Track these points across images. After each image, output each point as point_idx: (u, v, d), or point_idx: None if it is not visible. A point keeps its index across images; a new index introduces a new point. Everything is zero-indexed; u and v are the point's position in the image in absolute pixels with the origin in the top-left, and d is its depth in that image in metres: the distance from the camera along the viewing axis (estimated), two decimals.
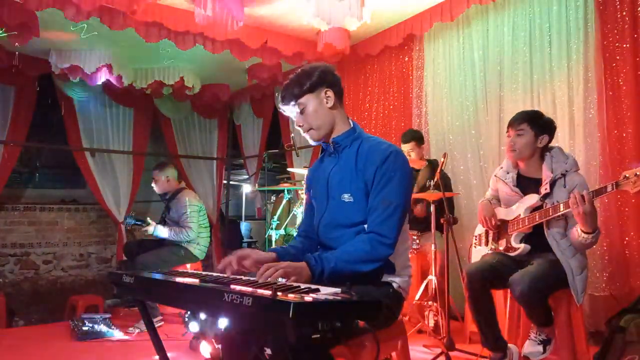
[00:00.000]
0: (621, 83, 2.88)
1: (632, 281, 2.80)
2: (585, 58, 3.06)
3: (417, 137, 3.69)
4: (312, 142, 1.79)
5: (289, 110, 1.75)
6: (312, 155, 5.27)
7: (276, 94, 5.73)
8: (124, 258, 4.18)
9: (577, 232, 2.19)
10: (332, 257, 1.55)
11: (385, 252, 1.59)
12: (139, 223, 3.98)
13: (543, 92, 3.29)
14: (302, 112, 1.71)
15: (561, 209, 2.22)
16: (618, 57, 2.90)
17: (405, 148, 3.64)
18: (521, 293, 2.16)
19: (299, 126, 1.74)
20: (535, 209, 2.39)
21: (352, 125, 1.77)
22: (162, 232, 3.89)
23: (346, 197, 1.68)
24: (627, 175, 2.01)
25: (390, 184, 1.61)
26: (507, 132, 2.49)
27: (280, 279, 1.43)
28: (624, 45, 2.87)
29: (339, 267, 1.54)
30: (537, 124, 2.41)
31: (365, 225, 1.64)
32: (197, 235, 3.95)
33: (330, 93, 1.71)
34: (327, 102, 1.71)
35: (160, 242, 3.99)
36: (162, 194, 4.17)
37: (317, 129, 1.73)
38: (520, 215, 2.43)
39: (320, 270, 1.52)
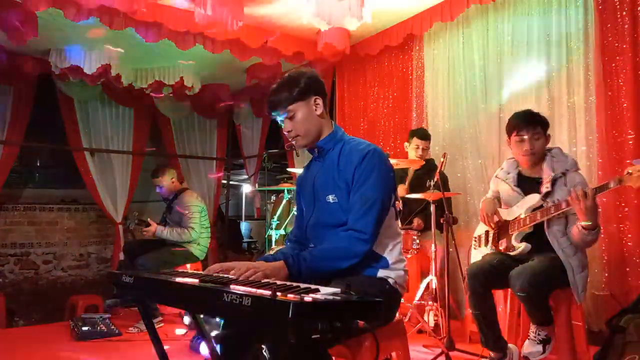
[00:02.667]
0: (621, 83, 2.88)
1: (631, 281, 2.80)
2: (585, 58, 3.06)
3: (430, 137, 3.70)
4: (298, 147, 1.83)
5: (278, 117, 1.78)
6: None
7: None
8: (122, 258, 4.17)
9: (578, 227, 2.19)
10: (308, 256, 1.59)
11: (362, 247, 1.62)
12: (141, 224, 3.97)
13: (543, 92, 3.29)
14: (291, 119, 1.74)
15: (563, 207, 2.22)
16: (618, 57, 2.90)
17: (423, 145, 3.62)
18: (521, 287, 2.16)
19: (287, 132, 1.77)
20: (536, 208, 2.39)
21: (334, 129, 1.81)
22: (164, 233, 3.89)
23: (331, 198, 1.73)
24: (629, 171, 2.02)
25: (368, 181, 1.65)
26: (520, 134, 2.42)
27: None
28: (624, 46, 2.86)
29: (315, 265, 1.58)
30: (546, 126, 2.43)
31: None
32: (198, 235, 3.96)
33: (319, 101, 1.76)
34: (316, 110, 1.75)
35: (161, 243, 3.99)
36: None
37: (304, 136, 1.77)
38: (521, 215, 2.43)
39: (297, 269, 1.55)
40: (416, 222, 3.50)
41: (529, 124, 2.41)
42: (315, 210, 1.79)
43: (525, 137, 2.41)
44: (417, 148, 3.62)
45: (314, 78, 1.77)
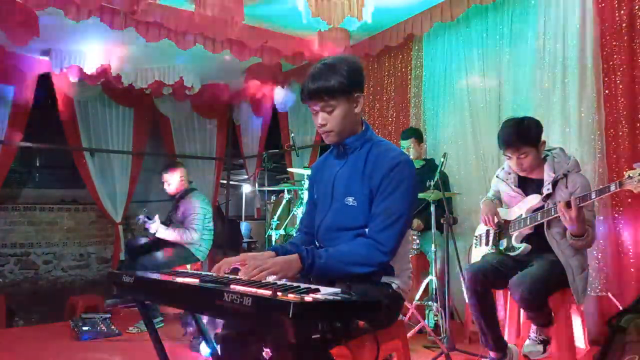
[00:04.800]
0: (618, 82, 2.88)
1: (628, 281, 2.80)
2: (584, 57, 3.06)
3: (416, 135, 3.69)
4: (327, 142, 1.73)
5: (313, 106, 1.65)
6: (310, 156, 5.28)
7: (276, 96, 5.72)
8: (123, 258, 4.15)
9: (567, 235, 2.23)
10: (325, 254, 1.55)
11: (381, 258, 1.58)
12: (148, 222, 3.94)
13: (542, 91, 3.29)
14: (329, 112, 1.63)
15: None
16: (615, 56, 2.91)
17: (404, 144, 3.65)
18: (521, 297, 2.17)
19: (321, 125, 1.65)
20: (536, 209, 2.39)
21: (364, 127, 1.73)
22: (166, 233, 3.88)
23: (350, 200, 1.67)
24: (630, 175, 2.02)
25: (395, 193, 1.59)
26: (506, 154, 2.45)
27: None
28: (622, 44, 2.87)
29: (330, 265, 1.54)
30: (535, 140, 2.38)
31: (366, 230, 1.64)
32: (200, 237, 3.94)
33: (360, 98, 1.66)
34: (355, 107, 1.66)
35: (162, 243, 3.98)
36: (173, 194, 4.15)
37: (339, 133, 1.67)
38: (521, 215, 2.43)
39: (310, 263, 1.52)
40: (416, 223, 3.50)
41: (511, 146, 2.39)
42: (331, 210, 1.73)
43: (512, 157, 2.42)
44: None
45: (359, 71, 1.64)
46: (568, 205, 2.14)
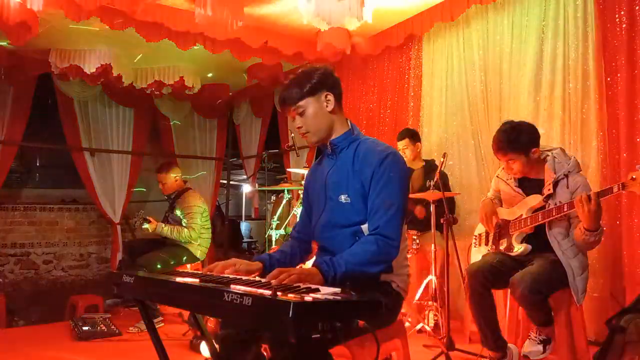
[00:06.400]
0: (619, 82, 2.88)
1: (627, 282, 2.80)
2: (585, 57, 3.06)
3: (410, 135, 3.70)
4: (309, 144, 1.81)
5: (289, 112, 1.75)
6: (307, 156, 5.27)
7: (275, 97, 5.73)
8: (121, 257, 4.16)
9: (581, 229, 2.19)
10: (342, 261, 1.54)
11: (393, 253, 1.60)
12: (145, 224, 3.96)
13: (542, 91, 3.29)
14: (301, 114, 1.71)
15: (565, 210, 2.22)
16: (616, 56, 2.90)
17: (400, 145, 3.66)
18: (522, 294, 2.17)
19: (298, 128, 1.75)
20: (537, 209, 2.39)
21: (350, 127, 1.78)
22: (165, 230, 3.89)
23: (343, 197, 1.69)
24: (634, 177, 2.00)
25: (389, 185, 1.61)
26: (498, 157, 2.49)
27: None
28: (622, 44, 2.87)
29: (350, 270, 1.53)
30: (522, 148, 2.37)
31: (363, 226, 1.65)
32: (198, 235, 3.95)
33: (330, 97, 1.72)
34: (327, 106, 1.72)
35: (162, 242, 3.99)
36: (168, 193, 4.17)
37: (315, 133, 1.74)
38: (522, 215, 2.43)
39: (333, 274, 1.51)
40: (419, 208, 3.48)
41: (498, 152, 2.43)
42: (325, 209, 1.75)
43: (501, 160, 2.47)
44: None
45: (327, 73, 1.73)
46: (588, 199, 2.09)
